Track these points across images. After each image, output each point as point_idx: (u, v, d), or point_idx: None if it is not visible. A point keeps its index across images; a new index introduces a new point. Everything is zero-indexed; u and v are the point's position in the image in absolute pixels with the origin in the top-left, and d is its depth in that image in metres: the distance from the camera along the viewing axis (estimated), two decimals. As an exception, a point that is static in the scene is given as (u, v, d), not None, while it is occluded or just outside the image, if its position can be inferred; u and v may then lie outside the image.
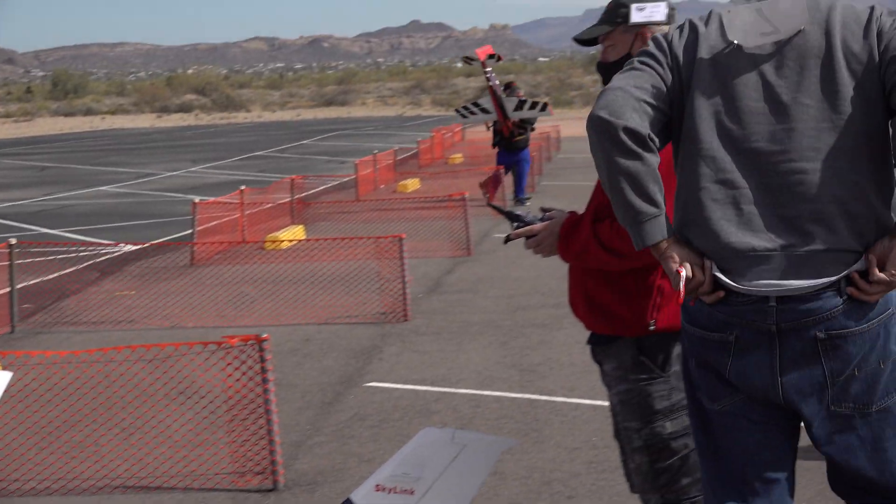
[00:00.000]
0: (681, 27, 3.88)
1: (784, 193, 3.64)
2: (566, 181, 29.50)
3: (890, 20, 3.70)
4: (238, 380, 7.72)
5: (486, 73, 22.52)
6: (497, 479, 7.24)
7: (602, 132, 3.63)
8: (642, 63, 3.79)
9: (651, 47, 3.85)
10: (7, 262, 13.61)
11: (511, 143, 23.40)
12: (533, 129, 24.63)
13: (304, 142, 58.11)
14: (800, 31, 3.70)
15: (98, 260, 18.00)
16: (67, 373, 8.97)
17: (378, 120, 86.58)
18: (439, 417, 8.78)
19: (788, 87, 3.68)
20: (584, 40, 4.70)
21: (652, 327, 4.38)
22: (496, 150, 24.01)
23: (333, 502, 7.05)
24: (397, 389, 9.68)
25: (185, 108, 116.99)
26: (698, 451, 3.98)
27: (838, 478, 3.84)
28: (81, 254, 18.60)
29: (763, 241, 3.64)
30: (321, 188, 29.75)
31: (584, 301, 4.56)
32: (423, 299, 13.72)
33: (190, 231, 18.92)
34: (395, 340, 11.55)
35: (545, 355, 10.56)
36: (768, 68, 3.72)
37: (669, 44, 3.82)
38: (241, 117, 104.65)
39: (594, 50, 5.07)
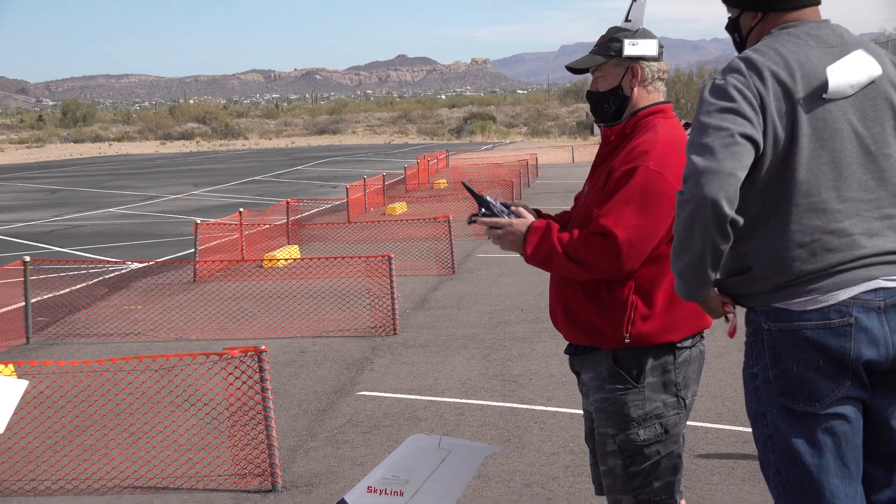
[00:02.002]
0: (758, 74, 3.68)
1: (886, 231, 3.72)
2: (545, 205, 29.52)
3: None
4: (238, 388, 7.75)
5: None
6: (481, 482, 7.26)
7: (716, 218, 3.56)
8: (742, 136, 3.60)
9: (742, 104, 3.63)
10: (22, 278, 13.60)
11: None
12: None
13: (299, 167, 58.08)
14: (875, 78, 3.74)
15: (107, 276, 18.01)
16: (79, 381, 8.99)
17: (367, 147, 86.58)
18: (426, 424, 8.80)
19: (874, 138, 3.72)
20: (576, 69, 4.71)
21: (627, 340, 4.40)
22: None
23: (328, 502, 7.07)
24: (387, 398, 9.70)
25: (186, 136, 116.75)
26: (786, 462, 3.79)
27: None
28: (91, 271, 18.60)
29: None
30: (315, 211, 29.74)
31: (564, 314, 4.56)
32: (410, 314, 13.74)
33: (192, 250, 18.92)
34: (384, 352, 11.56)
35: (525, 367, 10.58)
36: (854, 118, 3.71)
37: (761, 99, 3.65)
38: (239, 144, 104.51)
39: (577, 79, 5.09)
